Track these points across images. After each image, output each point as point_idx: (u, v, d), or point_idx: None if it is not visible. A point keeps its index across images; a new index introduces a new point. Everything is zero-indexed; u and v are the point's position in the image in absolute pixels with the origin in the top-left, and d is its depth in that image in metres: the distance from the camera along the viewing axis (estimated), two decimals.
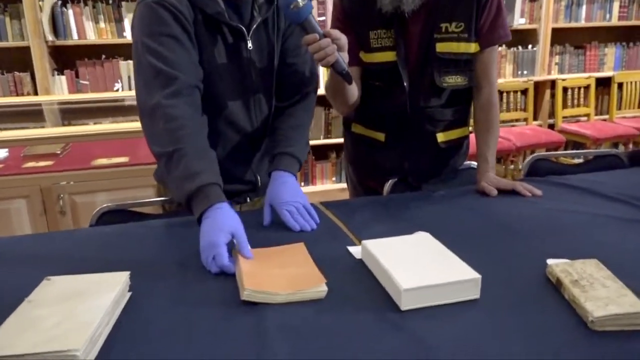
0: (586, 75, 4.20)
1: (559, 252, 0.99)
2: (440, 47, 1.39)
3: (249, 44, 1.23)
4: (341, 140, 1.75)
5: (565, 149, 3.91)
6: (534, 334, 0.76)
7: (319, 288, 0.85)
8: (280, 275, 0.88)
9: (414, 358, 0.71)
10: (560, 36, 4.13)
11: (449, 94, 1.45)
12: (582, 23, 4.15)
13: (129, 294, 0.86)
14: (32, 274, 0.93)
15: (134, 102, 3.82)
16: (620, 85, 4.22)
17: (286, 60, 1.31)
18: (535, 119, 4.16)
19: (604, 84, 4.27)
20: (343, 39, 1.16)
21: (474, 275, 0.84)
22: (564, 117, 4.13)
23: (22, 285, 0.88)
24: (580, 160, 2.37)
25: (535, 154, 1.68)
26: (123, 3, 3.29)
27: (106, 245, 1.10)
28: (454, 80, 1.43)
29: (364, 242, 0.97)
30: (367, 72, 1.46)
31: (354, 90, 1.40)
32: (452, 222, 1.20)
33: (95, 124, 2.94)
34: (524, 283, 0.90)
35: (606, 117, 4.29)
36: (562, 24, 4.09)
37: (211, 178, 1.05)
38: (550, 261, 0.93)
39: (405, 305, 0.81)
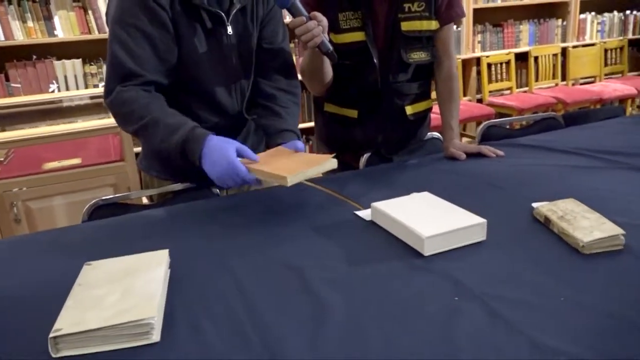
0: (506, 51, 4.52)
1: (538, 197, 1.13)
2: (405, 25, 1.50)
3: (229, 30, 1.27)
4: None
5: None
6: (538, 262, 0.89)
7: (331, 161, 1.13)
8: (297, 162, 1.13)
9: (449, 290, 0.81)
10: (480, 16, 4.42)
11: (414, 69, 1.57)
12: (499, 3, 4.46)
13: (169, 270, 0.90)
14: (58, 266, 0.95)
15: (73, 103, 3.62)
16: (536, 58, 4.58)
17: (262, 45, 1.37)
18: (465, 94, 4.43)
19: (521, 58, 4.61)
20: (325, 21, 1.25)
21: (480, 220, 0.96)
22: (490, 92, 4.43)
23: (51, 277, 0.90)
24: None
25: (487, 122, 1.84)
26: (52, 0, 3.14)
27: (114, 235, 1.12)
28: (418, 55, 1.55)
29: (373, 204, 1.07)
30: (338, 52, 1.52)
31: (329, 70, 1.48)
32: (435, 184, 1.31)
33: (32, 127, 2.81)
34: (517, 224, 1.04)
35: (526, 89, 4.64)
36: (481, 4, 4.38)
37: (190, 124, 1.14)
38: (535, 204, 1.08)
39: (427, 250, 0.91)
